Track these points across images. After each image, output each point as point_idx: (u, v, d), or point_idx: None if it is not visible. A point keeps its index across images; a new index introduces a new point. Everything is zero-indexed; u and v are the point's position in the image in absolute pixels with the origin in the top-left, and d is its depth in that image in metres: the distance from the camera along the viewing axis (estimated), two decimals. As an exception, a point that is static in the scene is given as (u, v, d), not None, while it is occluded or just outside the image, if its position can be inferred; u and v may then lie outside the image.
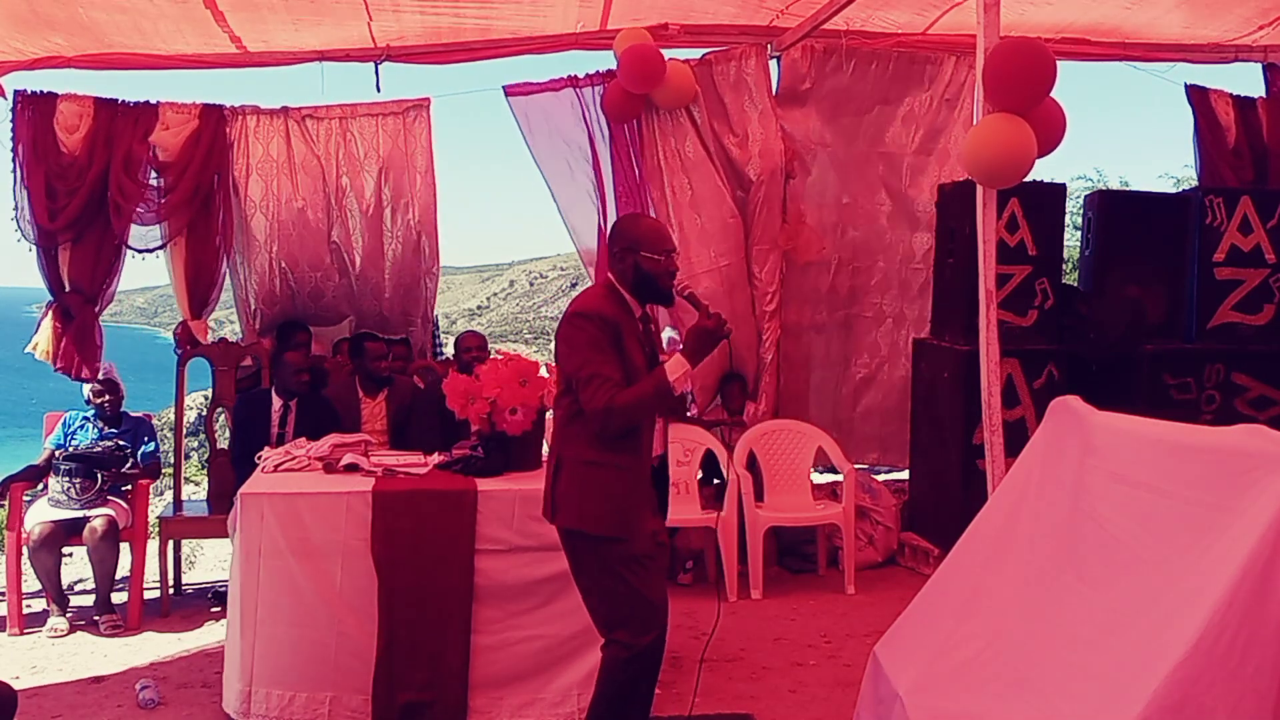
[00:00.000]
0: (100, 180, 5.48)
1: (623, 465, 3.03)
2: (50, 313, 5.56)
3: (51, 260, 5.53)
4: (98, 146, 5.49)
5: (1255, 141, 6.48)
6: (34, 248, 5.48)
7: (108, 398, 5.22)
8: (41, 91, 5.47)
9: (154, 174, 5.60)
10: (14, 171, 5.42)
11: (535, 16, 5.51)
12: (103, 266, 5.59)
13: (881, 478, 6.47)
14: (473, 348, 5.47)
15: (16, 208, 5.43)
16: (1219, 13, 5.81)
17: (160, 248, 5.65)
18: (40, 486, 5.04)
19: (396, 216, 5.91)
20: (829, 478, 6.09)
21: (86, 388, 5.24)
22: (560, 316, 3.12)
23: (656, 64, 5.60)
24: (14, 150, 5.43)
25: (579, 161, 6.03)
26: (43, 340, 5.54)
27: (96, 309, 5.62)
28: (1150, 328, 5.69)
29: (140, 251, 5.63)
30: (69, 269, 5.54)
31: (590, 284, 5.80)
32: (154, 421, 5.61)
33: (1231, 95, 6.49)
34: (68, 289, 5.54)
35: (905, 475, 6.35)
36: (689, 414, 5.93)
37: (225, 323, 9.05)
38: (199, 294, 5.76)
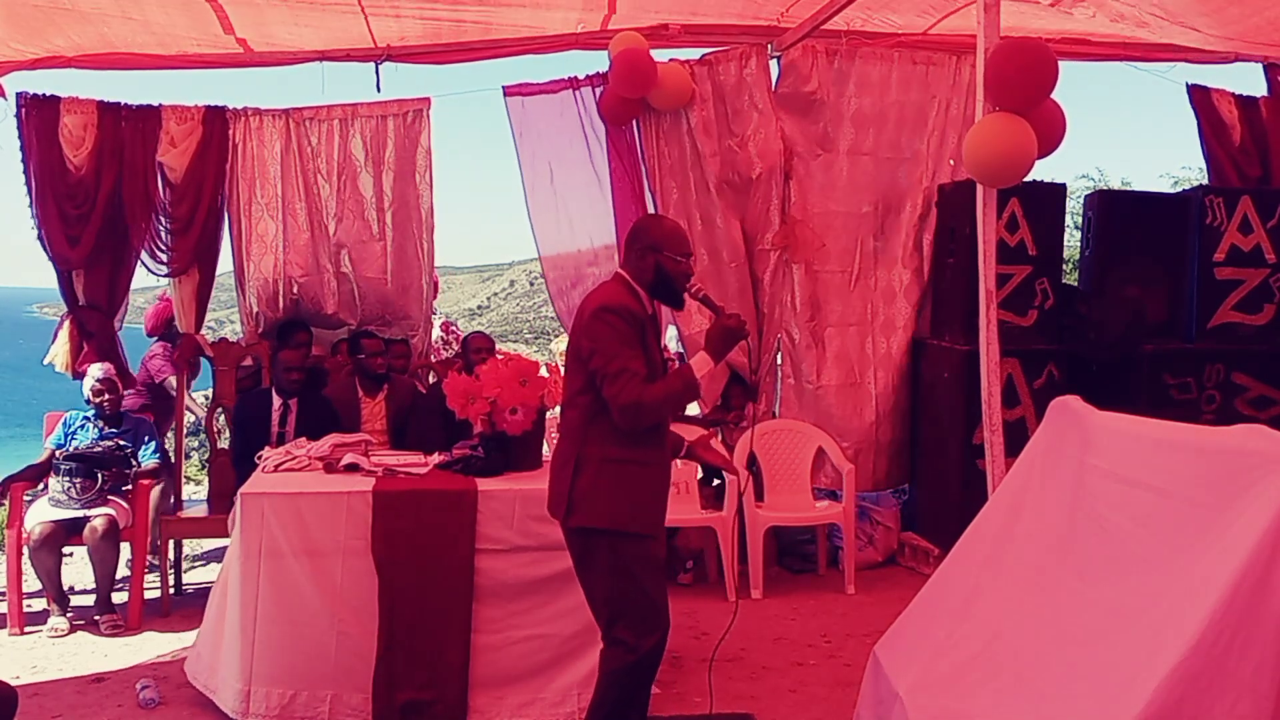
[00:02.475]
0: (111, 202, 5.51)
1: (648, 461, 3.03)
2: (67, 324, 5.63)
3: (65, 277, 5.60)
4: (105, 160, 5.50)
5: (1260, 139, 6.48)
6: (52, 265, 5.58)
7: (107, 397, 5.22)
8: (44, 95, 5.47)
9: (163, 188, 5.62)
10: (28, 193, 5.45)
11: (540, 14, 5.51)
12: (119, 286, 5.68)
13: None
14: (482, 349, 5.48)
15: (37, 229, 5.47)
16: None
17: (178, 274, 5.67)
18: (40, 486, 5.05)
19: (397, 217, 5.91)
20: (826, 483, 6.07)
21: (86, 387, 5.24)
22: (571, 311, 3.11)
23: (648, 69, 5.61)
24: (25, 167, 5.45)
25: (575, 163, 6.02)
26: (61, 353, 5.60)
27: (114, 321, 5.69)
28: (1150, 328, 5.69)
29: (157, 275, 5.70)
30: (84, 289, 5.61)
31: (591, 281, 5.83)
32: (154, 421, 5.60)
33: (1234, 95, 6.49)
34: (82, 303, 5.61)
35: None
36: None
37: (225, 322, 9.06)
38: (203, 308, 5.82)
